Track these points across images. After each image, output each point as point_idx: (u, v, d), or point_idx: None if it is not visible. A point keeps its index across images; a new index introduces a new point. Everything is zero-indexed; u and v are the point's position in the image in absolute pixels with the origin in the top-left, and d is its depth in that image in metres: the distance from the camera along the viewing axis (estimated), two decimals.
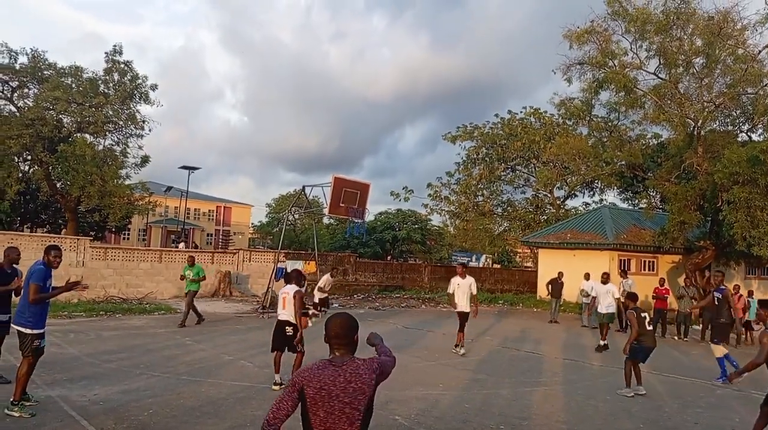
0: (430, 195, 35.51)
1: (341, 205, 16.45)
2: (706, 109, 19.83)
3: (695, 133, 20.09)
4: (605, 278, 14.07)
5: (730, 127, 21.60)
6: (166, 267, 20.17)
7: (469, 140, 34.41)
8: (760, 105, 18.96)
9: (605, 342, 12.98)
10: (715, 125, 21.34)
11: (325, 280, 15.28)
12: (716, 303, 11.41)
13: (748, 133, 21.13)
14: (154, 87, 24.52)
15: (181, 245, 26.56)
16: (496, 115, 34.69)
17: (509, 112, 34.42)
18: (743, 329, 15.71)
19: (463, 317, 11.43)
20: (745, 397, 8.79)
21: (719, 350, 10.32)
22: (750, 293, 17.54)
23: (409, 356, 10.92)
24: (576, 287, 19.10)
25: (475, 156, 34.62)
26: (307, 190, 18.77)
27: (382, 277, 26.49)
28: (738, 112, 21.00)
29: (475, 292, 11.53)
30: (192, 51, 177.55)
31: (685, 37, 19.96)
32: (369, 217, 37.64)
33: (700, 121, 19.96)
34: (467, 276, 11.50)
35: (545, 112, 32.93)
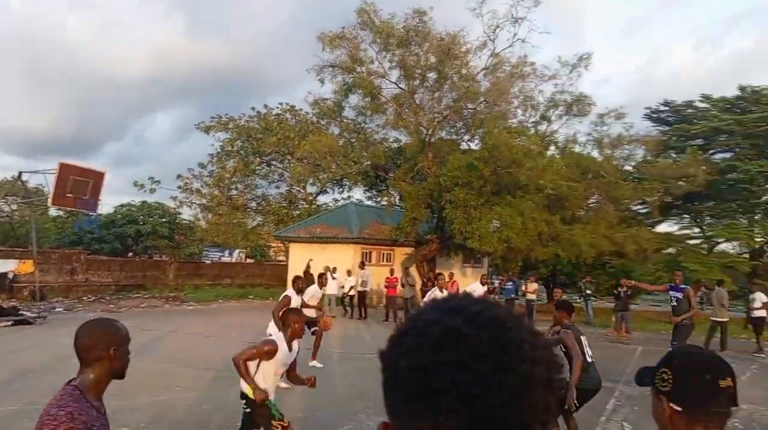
0: (180, 187, 33.61)
1: (68, 195, 14.46)
2: (436, 119, 22.47)
3: (427, 139, 22.58)
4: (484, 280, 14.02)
5: (454, 137, 24.79)
6: None
7: (224, 132, 33.46)
8: (477, 119, 22.20)
9: None
10: (442, 134, 24.26)
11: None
12: (675, 303, 10.07)
13: (468, 143, 24.57)
14: None
15: None
16: (253, 109, 34.34)
17: (265, 106, 34.37)
18: None
19: None
20: None
21: None
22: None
23: (145, 359, 10.08)
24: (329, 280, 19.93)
25: (229, 148, 33.79)
26: (27, 176, 16.07)
27: (119, 276, 24.08)
28: (461, 124, 24.19)
29: None
30: None
31: (422, 53, 22.31)
32: (106, 209, 33.88)
33: (431, 130, 22.51)
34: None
35: (301, 109, 33.69)
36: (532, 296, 19.66)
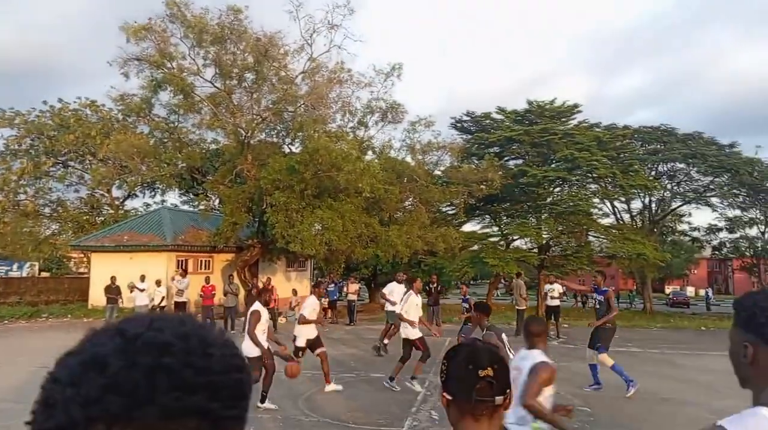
0: None
1: None
2: (255, 121, 21.93)
3: (246, 141, 21.95)
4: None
5: (275, 139, 24.47)
6: None
7: (9, 128, 29.13)
8: (297, 122, 22.14)
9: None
10: (262, 136, 23.79)
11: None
12: (597, 306, 9.88)
13: (289, 146, 24.44)
14: None
15: None
16: (45, 103, 30.32)
17: (60, 100, 30.54)
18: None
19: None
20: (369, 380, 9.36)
21: (608, 360, 9.25)
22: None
23: None
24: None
25: (16, 147, 29.51)
26: None
27: None
28: (281, 126, 23.97)
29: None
30: None
31: (239, 52, 21.57)
32: None
33: (250, 132, 21.92)
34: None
35: (103, 105, 30.49)
36: (353, 297, 20.17)
